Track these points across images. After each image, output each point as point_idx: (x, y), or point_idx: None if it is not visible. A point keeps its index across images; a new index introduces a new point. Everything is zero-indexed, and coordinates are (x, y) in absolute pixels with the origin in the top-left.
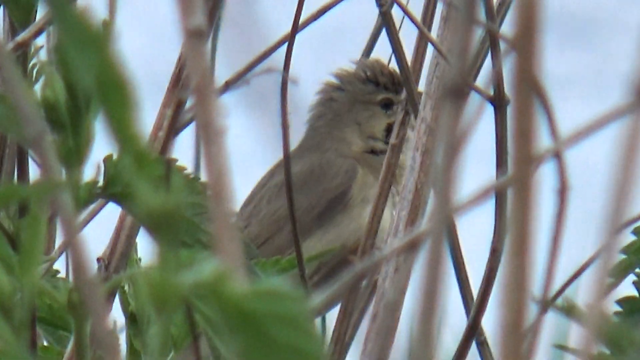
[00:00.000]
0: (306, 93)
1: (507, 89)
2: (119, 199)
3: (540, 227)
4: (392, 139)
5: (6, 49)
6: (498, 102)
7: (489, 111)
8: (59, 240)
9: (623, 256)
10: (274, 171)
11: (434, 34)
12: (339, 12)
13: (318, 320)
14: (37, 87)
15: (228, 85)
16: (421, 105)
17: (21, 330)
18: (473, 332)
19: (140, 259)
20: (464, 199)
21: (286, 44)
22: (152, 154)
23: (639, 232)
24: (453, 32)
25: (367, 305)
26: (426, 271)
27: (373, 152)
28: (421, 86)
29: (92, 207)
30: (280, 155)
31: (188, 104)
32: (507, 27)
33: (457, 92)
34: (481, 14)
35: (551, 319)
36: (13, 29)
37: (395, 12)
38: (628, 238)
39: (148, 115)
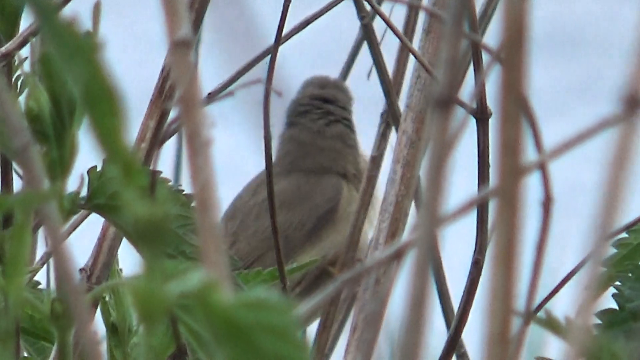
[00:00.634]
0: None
1: (490, 101)
2: (102, 210)
3: (524, 239)
4: (373, 152)
5: None
6: (480, 114)
7: (471, 124)
8: (39, 252)
9: (603, 269)
10: (257, 185)
11: (415, 46)
12: (321, 24)
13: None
14: (22, 99)
15: (211, 97)
16: (402, 118)
17: (6, 341)
18: (454, 344)
19: (121, 270)
20: (448, 211)
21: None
22: (139, 165)
23: (619, 245)
24: (442, 44)
25: (346, 317)
26: (413, 283)
27: None
28: (402, 98)
29: (74, 218)
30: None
31: (171, 116)
32: (490, 39)
33: (444, 104)
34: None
35: (526, 330)
36: None
37: (377, 24)
38: (609, 251)
39: (131, 126)
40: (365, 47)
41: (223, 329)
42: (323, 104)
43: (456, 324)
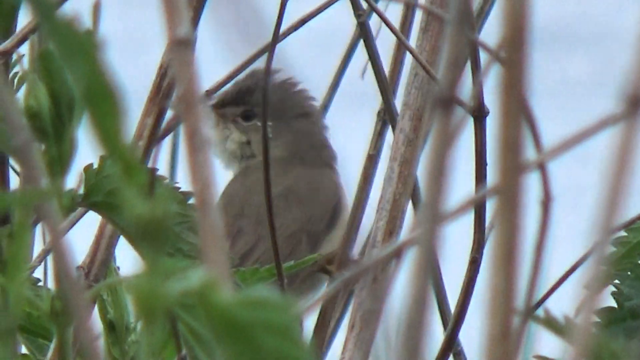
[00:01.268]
0: None
1: (487, 99)
2: (99, 208)
3: (524, 237)
4: (370, 150)
5: None
6: (478, 113)
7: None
8: (37, 249)
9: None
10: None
11: (412, 43)
12: (318, 22)
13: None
14: (20, 96)
15: (210, 95)
16: (399, 116)
17: (6, 338)
18: (451, 342)
19: (119, 268)
20: (447, 209)
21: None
22: (138, 163)
23: (618, 244)
24: (443, 44)
25: (343, 315)
26: (414, 282)
27: None
28: (399, 96)
29: (72, 216)
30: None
31: (168, 113)
32: (486, 37)
33: (445, 103)
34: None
35: (525, 328)
36: None
37: (373, 21)
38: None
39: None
40: (361, 45)
41: (223, 327)
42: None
43: (453, 322)
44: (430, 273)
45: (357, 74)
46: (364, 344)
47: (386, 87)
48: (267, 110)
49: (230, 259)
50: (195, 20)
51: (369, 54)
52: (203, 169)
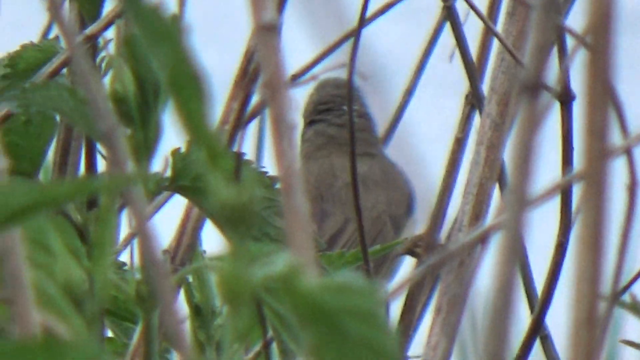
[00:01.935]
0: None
1: (573, 84)
2: (186, 192)
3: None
4: (457, 133)
5: (76, 42)
6: (564, 98)
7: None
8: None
9: None
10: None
11: (498, 28)
12: (404, 6)
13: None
14: (106, 81)
15: (295, 80)
16: (486, 100)
17: (92, 322)
18: (537, 327)
19: (205, 252)
20: (533, 194)
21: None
22: (223, 147)
23: None
24: (530, 29)
25: (429, 299)
26: (500, 267)
27: None
28: (485, 81)
29: (158, 200)
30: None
31: (254, 98)
32: (572, 22)
33: (531, 88)
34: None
35: (611, 313)
36: (82, 22)
37: (460, 5)
38: None
39: (215, 108)
40: (447, 29)
41: (308, 312)
42: (343, 101)
43: (539, 307)
44: (516, 257)
45: (443, 58)
46: (450, 329)
47: (473, 71)
48: (352, 93)
49: (318, 242)
50: (281, 5)
51: (455, 37)
52: (288, 153)
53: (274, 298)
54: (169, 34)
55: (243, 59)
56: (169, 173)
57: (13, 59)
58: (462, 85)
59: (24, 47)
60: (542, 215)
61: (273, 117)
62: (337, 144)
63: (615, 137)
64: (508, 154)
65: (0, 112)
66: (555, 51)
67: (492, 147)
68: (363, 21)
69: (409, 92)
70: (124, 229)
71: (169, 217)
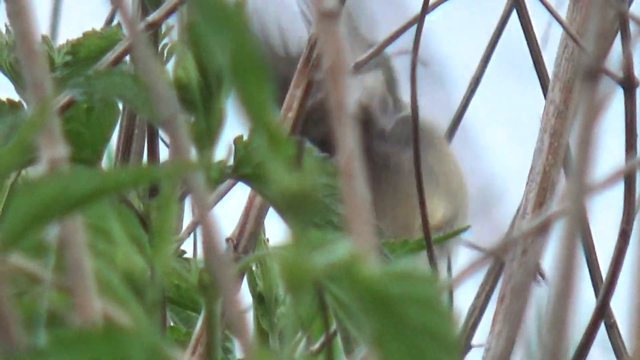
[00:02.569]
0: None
1: (637, 71)
2: (249, 180)
3: None
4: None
5: (138, 29)
6: (627, 84)
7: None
8: (186, 221)
9: None
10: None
11: (563, 14)
12: None
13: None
14: (168, 68)
15: (358, 67)
16: (550, 87)
17: (153, 310)
18: (601, 314)
19: (268, 240)
20: (596, 181)
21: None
22: (285, 134)
23: None
24: (590, 15)
25: (493, 287)
26: (562, 254)
27: None
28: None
29: (220, 187)
30: None
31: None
32: (636, 9)
33: (592, 75)
34: None
35: None
36: (144, 9)
37: None
38: None
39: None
40: (513, 16)
41: (369, 300)
42: None
43: (604, 294)
44: (578, 244)
45: (509, 45)
46: (514, 317)
47: (539, 58)
48: (415, 80)
49: (378, 229)
50: None
51: (522, 25)
52: (348, 140)
53: (336, 286)
54: (232, 20)
55: (307, 46)
56: (231, 161)
57: (75, 47)
58: (526, 73)
59: (86, 35)
60: (605, 202)
61: (333, 104)
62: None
63: None
64: (571, 141)
65: (62, 99)
66: (618, 38)
67: (556, 134)
68: (426, 8)
69: (476, 79)
70: (187, 216)
71: (233, 205)
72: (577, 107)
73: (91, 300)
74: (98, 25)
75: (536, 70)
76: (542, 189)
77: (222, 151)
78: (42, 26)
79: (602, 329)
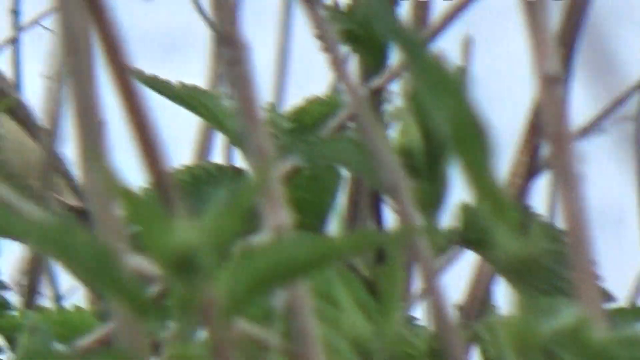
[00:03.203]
0: None
1: None
2: (474, 246)
3: None
4: None
5: (361, 95)
6: None
7: None
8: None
9: None
10: None
11: None
12: None
13: None
14: (391, 134)
15: (584, 132)
16: None
17: None
18: None
19: (496, 307)
20: None
21: None
22: (509, 200)
23: None
24: None
25: None
26: None
27: None
28: None
29: (448, 254)
30: None
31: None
32: None
33: None
34: None
35: None
36: (366, 75)
37: None
38: None
39: (502, 161)
40: None
41: None
42: None
43: None
44: None
45: None
46: None
47: None
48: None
49: (607, 294)
50: (568, 58)
51: None
52: (574, 205)
53: (564, 351)
54: (453, 86)
55: (532, 111)
56: (457, 226)
57: (299, 113)
58: None
59: (309, 101)
60: None
61: (558, 169)
62: None
63: None
64: None
65: (285, 166)
66: None
67: None
68: None
69: None
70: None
71: (460, 271)
72: None
73: None
74: (320, 90)
75: None
76: None
77: (447, 217)
78: (267, 92)
79: None
